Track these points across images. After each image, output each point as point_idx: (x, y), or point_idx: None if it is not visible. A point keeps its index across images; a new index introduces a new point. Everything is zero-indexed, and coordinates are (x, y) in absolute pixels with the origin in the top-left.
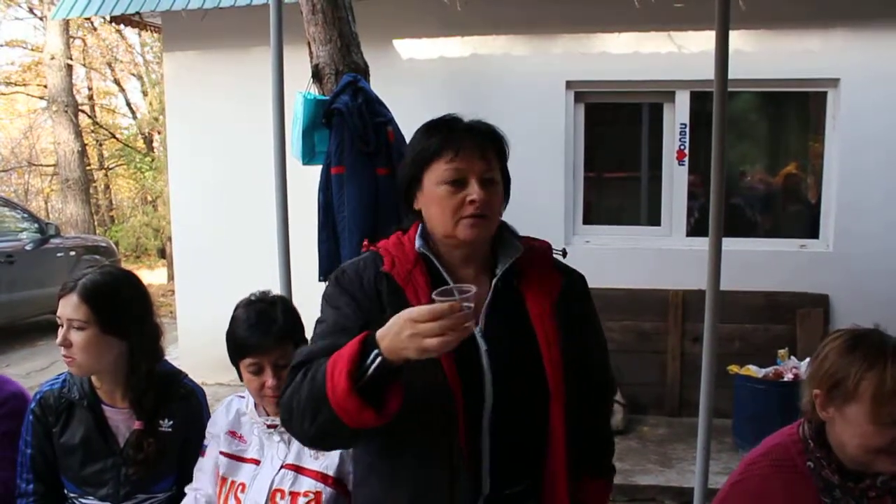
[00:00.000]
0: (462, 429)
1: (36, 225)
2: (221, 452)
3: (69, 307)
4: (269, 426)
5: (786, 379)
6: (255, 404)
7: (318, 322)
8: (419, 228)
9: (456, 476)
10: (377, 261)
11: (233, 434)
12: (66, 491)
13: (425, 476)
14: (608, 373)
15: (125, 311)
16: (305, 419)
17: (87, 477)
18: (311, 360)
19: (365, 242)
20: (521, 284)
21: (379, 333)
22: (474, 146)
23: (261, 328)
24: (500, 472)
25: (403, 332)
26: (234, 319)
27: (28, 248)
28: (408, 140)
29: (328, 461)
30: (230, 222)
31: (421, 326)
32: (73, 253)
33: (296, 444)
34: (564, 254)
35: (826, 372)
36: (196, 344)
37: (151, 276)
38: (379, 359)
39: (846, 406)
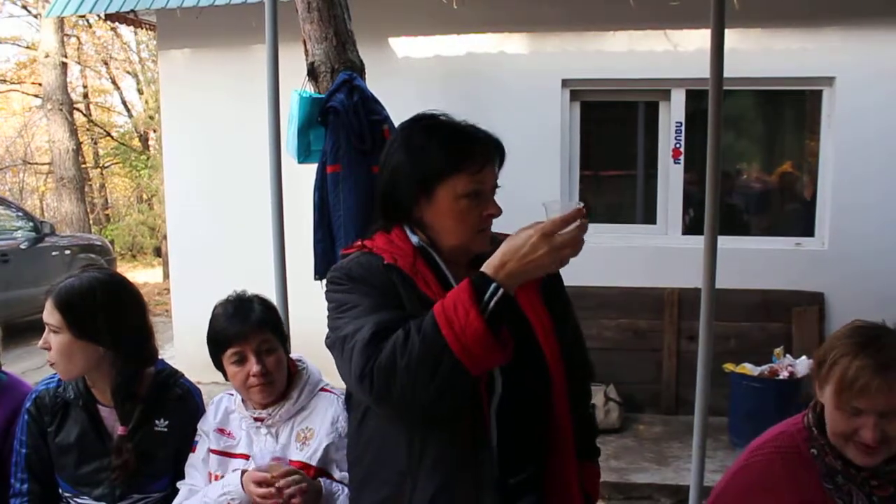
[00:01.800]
0: (487, 422)
1: (31, 223)
2: (211, 450)
3: (47, 311)
4: (255, 419)
5: (781, 377)
6: (243, 400)
7: (346, 308)
8: (408, 227)
9: (480, 470)
10: (375, 257)
11: (221, 431)
12: (61, 491)
13: (446, 474)
14: (588, 356)
15: (100, 318)
16: (420, 380)
17: (83, 477)
18: (386, 330)
19: (357, 243)
20: None
21: (489, 268)
22: (493, 160)
23: (239, 316)
24: (506, 461)
25: (538, 250)
26: (212, 318)
27: (23, 246)
28: None
29: (311, 451)
30: (225, 221)
31: (558, 238)
32: (68, 252)
33: (282, 436)
34: None
35: (820, 349)
36: (191, 343)
37: (148, 274)
38: (501, 291)
39: (825, 386)
